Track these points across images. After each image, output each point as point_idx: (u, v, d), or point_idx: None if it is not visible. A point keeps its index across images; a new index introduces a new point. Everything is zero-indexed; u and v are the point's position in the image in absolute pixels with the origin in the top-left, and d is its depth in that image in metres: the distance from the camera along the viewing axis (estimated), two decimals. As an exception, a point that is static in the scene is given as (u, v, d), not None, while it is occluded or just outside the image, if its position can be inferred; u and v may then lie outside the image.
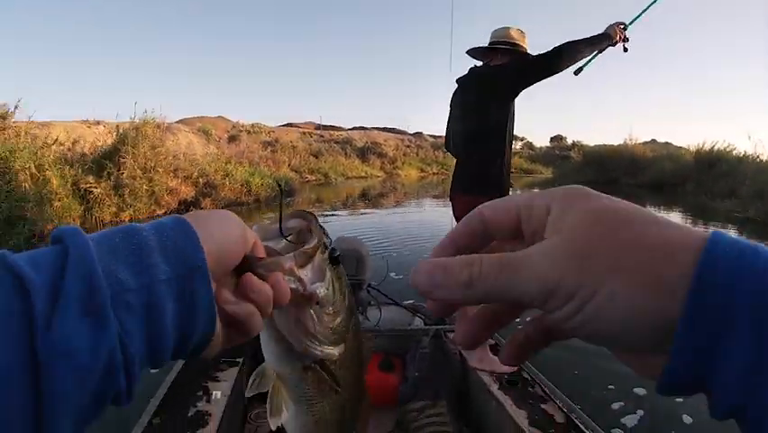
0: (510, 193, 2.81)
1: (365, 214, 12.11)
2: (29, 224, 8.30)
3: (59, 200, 9.34)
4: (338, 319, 0.58)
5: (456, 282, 0.29)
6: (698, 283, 0.24)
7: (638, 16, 3.10)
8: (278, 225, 0.55)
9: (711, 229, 0.27)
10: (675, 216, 11.93)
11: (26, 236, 8.04)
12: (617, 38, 2.87)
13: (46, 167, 9.48)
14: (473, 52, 3.12)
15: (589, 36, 2.83)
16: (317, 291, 0.53)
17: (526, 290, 0.28)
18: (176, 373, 2.06)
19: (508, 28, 2.98)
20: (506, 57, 2.93)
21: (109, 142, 12.06)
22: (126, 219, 10.37)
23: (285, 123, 47.23)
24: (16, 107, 9.86)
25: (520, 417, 1.91)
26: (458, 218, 2.97)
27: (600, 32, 2.87)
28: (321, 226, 0.56)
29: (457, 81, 3.13)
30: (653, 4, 3.21)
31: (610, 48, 2.89)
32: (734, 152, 18.45)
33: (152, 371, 1.81)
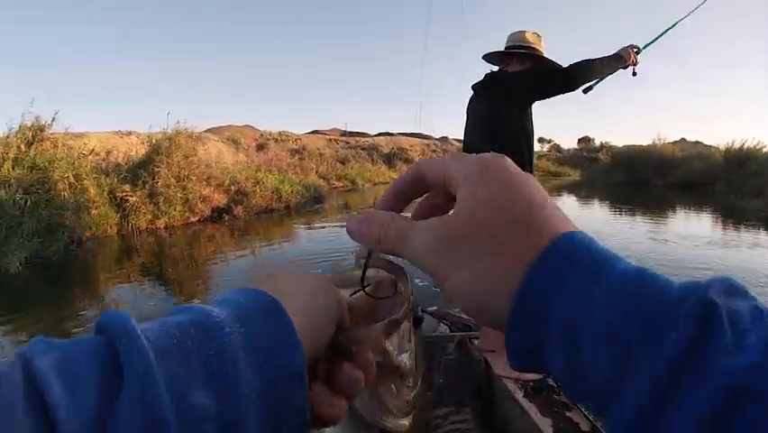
0: None
1: None
2: (68, 231, 8.72)
3: (96, 208, 9.77)
4: (416, 390, 0.52)
5: (371, 237, 0.35)
6: (512, 307, 0.29)
7: (653, 41, 3.10)
8: (359, 274, 0.48)
9: (573, 230, 0.30)
10: (705, 217, 11.81)
11: (65, 243, 8.44)
12: (630, 61, 2.85)
13: (83, 176, 9.92)
14: (489, 57, 3.10)
15: (604, 56, 2.82)
16: (403, 364, 0.48)
17: (410, 257, 0.34)
18: None
19: (524, 31, 2.94)
20: (524, 61, 2.90)
21: (142, 151, 12.46)
22: (161, 226, 10.74)
23: (311, 130, 47.63)
24: (53, 119, 10.22)
25: (545, 425, 1.88)
26: None
27: (614, 52, 2.86)
28: (408, 280, 0.50)
29: (472, 87, 3.06)
30: (668, 30, 3.23)
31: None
32: (764, 150, 18.13)
33: None
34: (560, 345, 0.27)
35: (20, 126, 9.75)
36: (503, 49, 2.99)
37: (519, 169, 0.33)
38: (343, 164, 27.77)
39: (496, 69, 3.08)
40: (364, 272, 0.46)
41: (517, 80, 2.88)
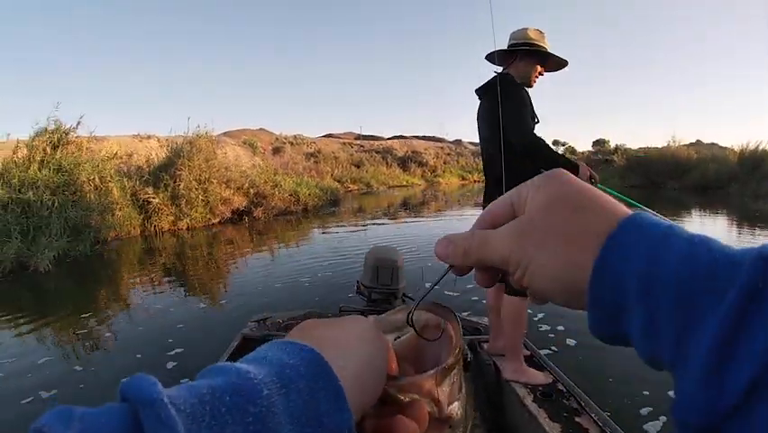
0: None
1: (405, 222, 12.25)
2: (93, 231, 8.97)
3: (120, 210, 10.00)
4: None
5: (457, 253, 0.38)
6: (595, 271, 0.30)
7: (613, 194, 2.99)
8: (402, 316, 0.48)
9: (644, 211, 0.34)
10: (720, 220, 11.81)
11: (91, 243, 8.67)
12: (582, 180, 2.86)
13: (108, 179, 10.16)
14: (491, 57, 3.04)
15: (565, 156, 2.87)
16: (453, 413, 0.45)
17: (494, 259, 0.36)
18: None
19: (526, 29, 2.93)
20: (528, 58, 2.89)
21: (162, 155, 12.75)
22: (184, 227, 10.96)
23: (325, 134, 47.88)
24: (78, 123, 10.48)
25: (554, 430, 1.87)
26: None
27: (577, 161, 2.86)
28: (458, 322, 0.48)
29: (476, 92, 3.06)
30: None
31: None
32: None
33: (196, 370, 2.30)
34: (637, 302, 0.29)
35: (45, 129, 10.01)
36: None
37: (569, 173, 0.36)
38: (358, 167, 28.02)
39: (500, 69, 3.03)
40: (411, 313, 0.46)
41: (505, 88, 2.82)
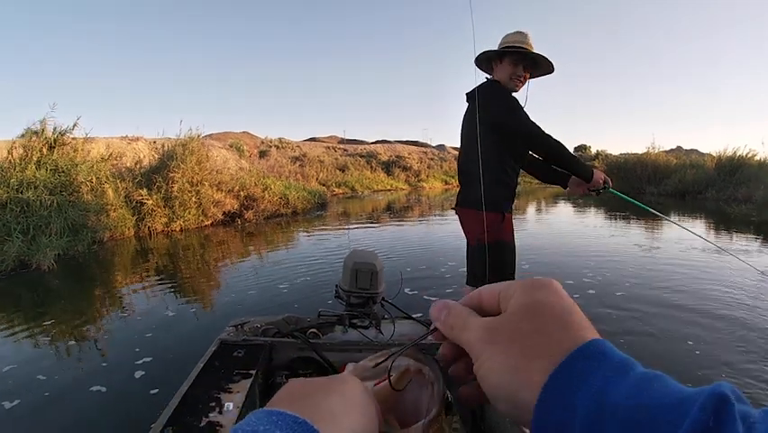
0: (508, 210, 2.99)
1: (389, 226, 12.39)
2: (91, 231, 9.15)
3: (114, 211, 10.18)
4: None
5: (446, 324, 0.41)
6: (541, 395, 0.32)
7: (621, 196, 3.30)
8: (375, 363, 0.50)
9: (596, 338, 0.33)
10: (697, 223, 12.29)
11: (89, 243, 8.88)
12: (595, 184, 2.98)
13: (103, 180, 10.36)
14: (478, 62, 3.05)
15: (580, 160, 2.95)
16: None
17: (463, 342, 0.39)
18: (188, 385, 2.00)
19: (511, 33, 2.95)
20: (507, 61, 2.91)
21: (150, 157, 12.98)
22: (177, 229, 11.17)
23: (308, 137, 48.02)
24: (75, 125, 10.64)
25: None
26: (463, 229, 3.17)
27: (590, 166, 3.00)
28: (439, 369, 0.48)
29: (466, 95, 3.07)
30: (637, 204, 3.42)
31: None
32: (756, 158, 18.57)
33: (164, 380, 2.97)
34: (583, 430, 0.29)
35: (42, 130, 10.16)
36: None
37: (558, 284, 0.38)
38: (343, 172, 28.16)
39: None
40: (390, 368, 0.46)
41: (489, 99, 2.91)
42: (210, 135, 28.94)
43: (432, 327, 0.43)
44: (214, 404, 1.84)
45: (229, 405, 1.82)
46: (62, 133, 10.34)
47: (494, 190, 2.89)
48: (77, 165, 9.92)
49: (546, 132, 2.83)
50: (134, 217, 10.66)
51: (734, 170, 18.15)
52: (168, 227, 11.10)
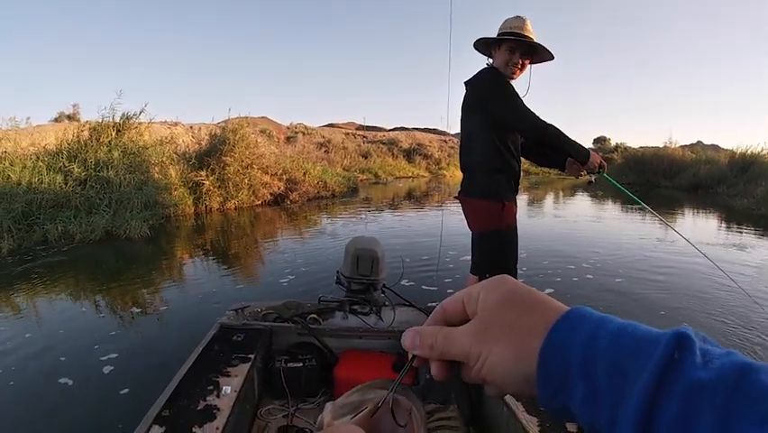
0: (509, 199, 2.90)
1: (409, 212, 12.98)
2: (160, 207, 10.21)
3: (176, 190, 11.22)
4: None
5: (423, 345, 0.43)
6: (540, 362, 0.36)
7: (614, 185, 3.25)
8: (355, 398, 0.54)
9: (577, 305, 0.39)
10: (701, 215, 13.22)
11: (160, 217, 9.92)
12: (590, 166, 2.86)
13: (167, 162, 11.47)
14: (478, 44, 2.97)
15: (576, 142, 2.81)
16: None
17: (456, 354, 0.41)
18: (187, 368, 2.03)
19: (511, 18, 2.84)
20: (503, 48, 2.81)
21: (189, 141, 14.09)
22: (232, 207, 12.24)
23: (326, 123, 48.12)
24: (141, 111, 11.63)
25: (531, 424, 1.81)
26: (466, 218, 3.08)
27: (587, 147, 2.86)
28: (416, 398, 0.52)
29: (464, 84, 2.98)
30: (629, 195, 3.39)
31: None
32: None
33: (163, 363, 3.40)
34: (579, 377, 0.34)
35: (111, 114, 11.22)
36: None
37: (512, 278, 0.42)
38: (365, 158, 28.51)
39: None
40: (390, 401, 0.50)
41: (483, 88, 2.86)
42: (227, 120, 29.37)
43: (411, 357, 0.45)
44: (212, 387, 1.87)
45: (227, 388, 1.87)
46: (128, 118, 11.36)
47: (493, 179, 2.87)
48: (147, 148, 11.02)
49: (541, 118, 2.74)
50: (192, 196, 11.64)
51: (746, 166, 18.63)
52: (223, 206, 12.11)
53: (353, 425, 0.47)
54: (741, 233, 10.13)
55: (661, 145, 25.90)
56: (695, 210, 14.61)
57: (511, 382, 0.39)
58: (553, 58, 2.88)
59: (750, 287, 5.44)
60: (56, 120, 24.15)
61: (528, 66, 2.90)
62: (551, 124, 2.73)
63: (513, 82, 2.87)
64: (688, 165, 22.61)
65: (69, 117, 25.49)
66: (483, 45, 2.93)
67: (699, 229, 10.29)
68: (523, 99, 2.81)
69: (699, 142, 44.21)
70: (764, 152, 19.23)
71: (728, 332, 4.34)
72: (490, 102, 2.78)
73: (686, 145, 29.21)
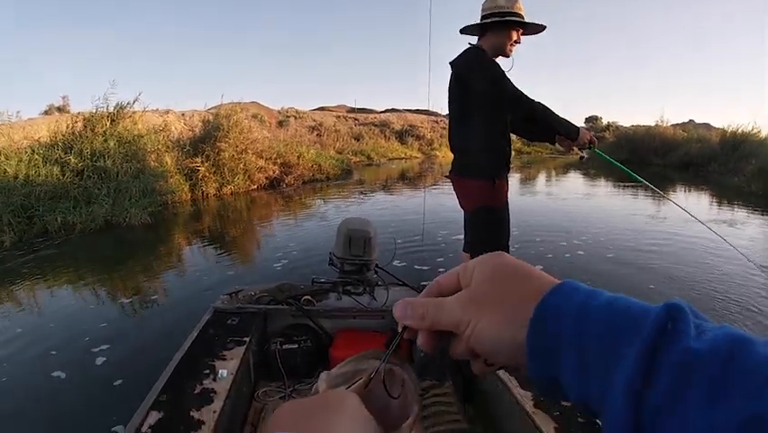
0: (500, 177, 2.88)
1: (402, 193, 13.15)
2: (157, 195, 10.26)
3: (172, 177, 11.29)
4: None
5: (415, 316, 0.43)
6: (531, 327, 0.36)
7: (606, 159, 3.22)
8: (349, 368, 0.54)
9: (568, 279, 0.38)
10: (694, 192, 13.52)
11: (158, 205, 9.96)
12: (580, 142, 2.87)
13: (163, 149, 11.54)
14: (466, 31, 2.98)
15: (565, 120, 2.83)
16: None
17: (447, 322, 0.41)
18: (183, 352, 2.04)
19: None
20: (500, 28, 2.79)
21: (180, 128, 14.23)
22: (228, 193, 12.33)
23: (317, 107, 48.14)
24: (135, 100, 11.68)
25: (526, 399, 1.82)
26: (458, 197, 3.10)
27: (577, 125, 2.87)
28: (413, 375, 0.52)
29: (449, 64, 2.94)
30: (624, 170, 3.31)
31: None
32: (760, 135, 19.01)
33: (160, 347, 3.48)
34: (571, 344, 0.34)
35: (105, 105, 11.20)
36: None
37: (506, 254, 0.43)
38: (358, 141, 28.46)
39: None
40: (383, 373, 0.50)
41: (473, 67, 2.82)
42: (219, 106, 29.22)
43: (401, 328, 0.45)
44: (208, 372, 1.89)
45: (223, 372, 1.88)
46: (122, 108, 11.37)
47: (482, 157, 2.87)
48: (142, 136, 11.05)
49: (529, 96, 2.74)
50: (188, 183, 11.71)
51: (737, 145, 18.71)
52: (219, 191, 12.21)
53: (349, 391, 0.47)
54: (732, 209, 10.39)
55: (652, 124, 26.02)
56: (687, 188, 14.88)
57: (500, 351, 0.39)
58: (545, 28, 2.87)
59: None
60: (46, 113, 24.23)
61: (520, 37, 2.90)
62: (538, 102, 2.75)
63: (501, 59, 2.87)
64: (679, 144, 22.70)
65: (59, 109, 25.44)
66: (475, 28, 2.90)
67: (691, 206, 10.49)
68: (509, 76, 2.80)
69: (690, 120, 44.25)
70: (755, 130, 19.34)
71: (729, 300, 4.55)
72: (478, 81, 2.77)
73: (678, 124, 29.38)
